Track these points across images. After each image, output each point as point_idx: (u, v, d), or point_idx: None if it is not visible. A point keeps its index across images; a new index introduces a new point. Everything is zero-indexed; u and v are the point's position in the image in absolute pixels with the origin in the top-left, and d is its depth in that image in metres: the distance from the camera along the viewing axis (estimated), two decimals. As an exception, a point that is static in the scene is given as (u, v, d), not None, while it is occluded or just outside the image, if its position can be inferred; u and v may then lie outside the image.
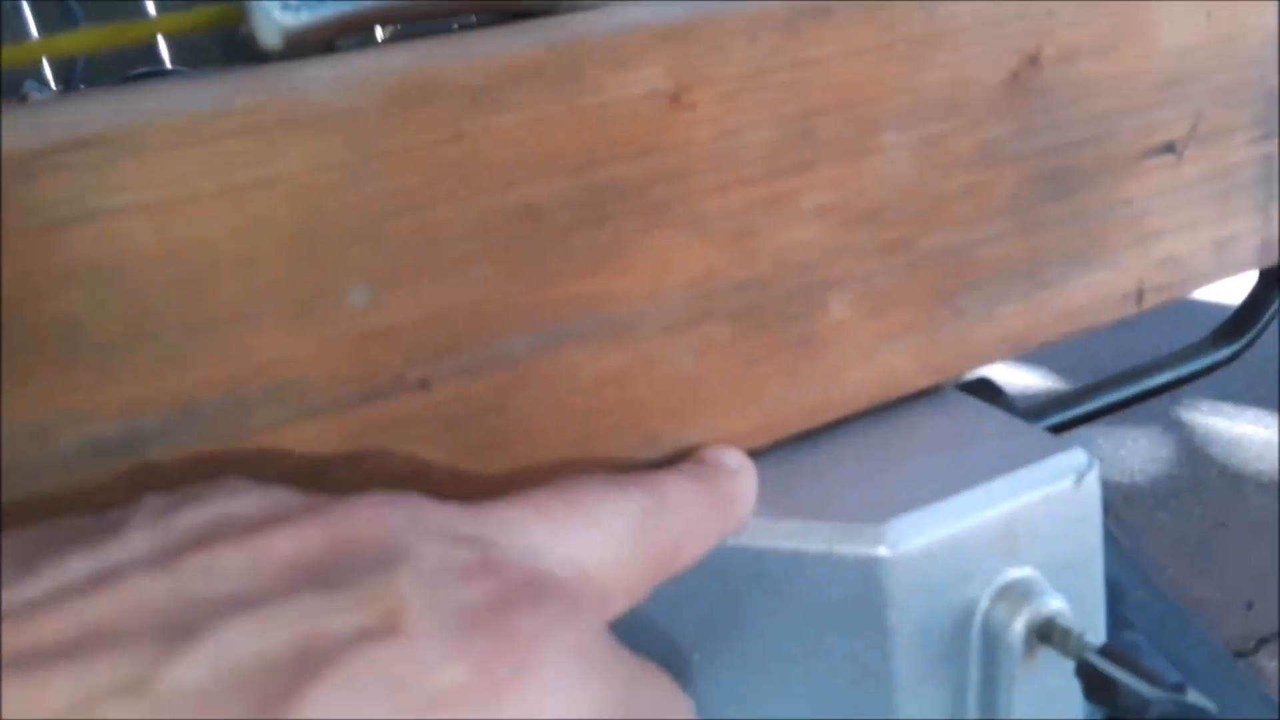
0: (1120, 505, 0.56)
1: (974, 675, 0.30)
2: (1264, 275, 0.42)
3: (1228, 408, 0.60)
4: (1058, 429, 0.42)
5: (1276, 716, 0.31)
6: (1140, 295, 0.37)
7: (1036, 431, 0.31)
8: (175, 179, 0.23)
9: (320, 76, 0.25)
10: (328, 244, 0.25)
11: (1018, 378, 0.54)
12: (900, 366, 0.34)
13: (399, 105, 0.25)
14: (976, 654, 0.30)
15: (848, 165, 0.31)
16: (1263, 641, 0.45)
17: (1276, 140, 0.38)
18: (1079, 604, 0.29)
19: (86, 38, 0.30)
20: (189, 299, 0.24)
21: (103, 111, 0.24)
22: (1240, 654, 0.44)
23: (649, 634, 0.32)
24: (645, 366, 0.30)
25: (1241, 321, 0.43)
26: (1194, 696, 0.24)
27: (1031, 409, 0.42)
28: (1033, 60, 0.32)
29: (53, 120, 0.24)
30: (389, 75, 0.25)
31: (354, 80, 0.25)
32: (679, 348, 0.30)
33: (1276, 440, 0.55)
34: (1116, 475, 0.57)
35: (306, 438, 0.26)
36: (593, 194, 0.28)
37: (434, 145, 0.25)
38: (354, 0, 0.31)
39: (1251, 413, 0.59)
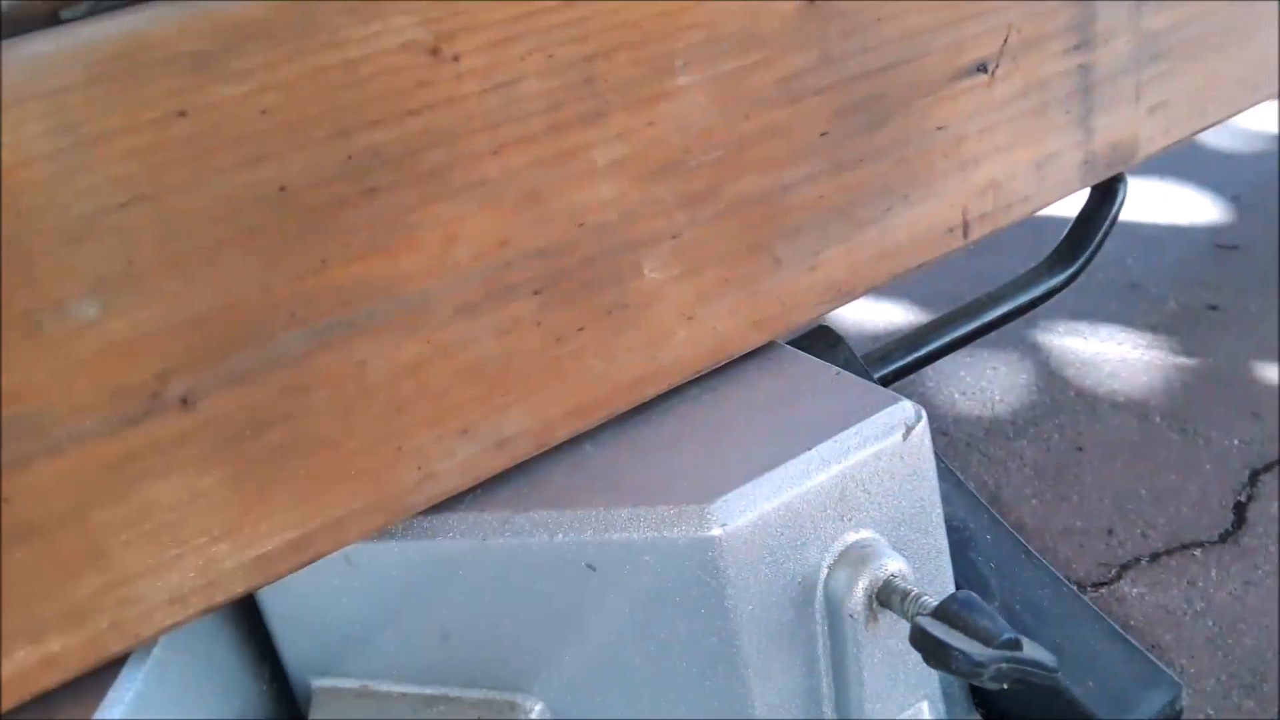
0: (982, 439, 0.57)
1: (822, 644, 0.30)
2: (1094, 192, 0.43)
3: (1082, 327, 0.62)
4: (904, 371, 0.42)
5: (1133, 656, 0.32)
6: (966, 227, 0.37)
7: (864, 385, 0.31)
8: None
9: (20, 55, 0.23)
10: (42, 249, 0.23)
11: (879, 313, 0.54)
12: (724, 327, 0.33)
13: (107, 81, 0.23)
14: (821, 624, 0.30)
15: (640, 113, 0.30)
16: (1124, 568, 0.47)
17: (1092, 46, 0.39)
18: (921, 560, 0.29)
19: None
20: None
21: None
22: (1102, 583, 0.45)
23: (485, 649, 0.31)
24: (445, 353, 0.29)
25: (1075, 244, 0.44)
26: (1031, 650, 0.24)
27: (875, 353, 0.42)
28: (829, -16, 0.32)
29: None
30: (91, 50, 0.23)
31: (54, 58, 0.22)
32: (479, 329, 0.29)
33: (1128, 358, 0.58)
34: (978, 408, 0.58)
35: (55, 476, 0.24)
36: (352, 166, 0.26)
37: (154, 124, 0.23)
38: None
39: (1104, 330, 0.61)
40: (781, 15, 0.31)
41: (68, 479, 0.25)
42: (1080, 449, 0.55)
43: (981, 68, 0.36)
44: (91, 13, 0.30)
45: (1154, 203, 0.75)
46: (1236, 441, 0.54)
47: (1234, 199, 0.76)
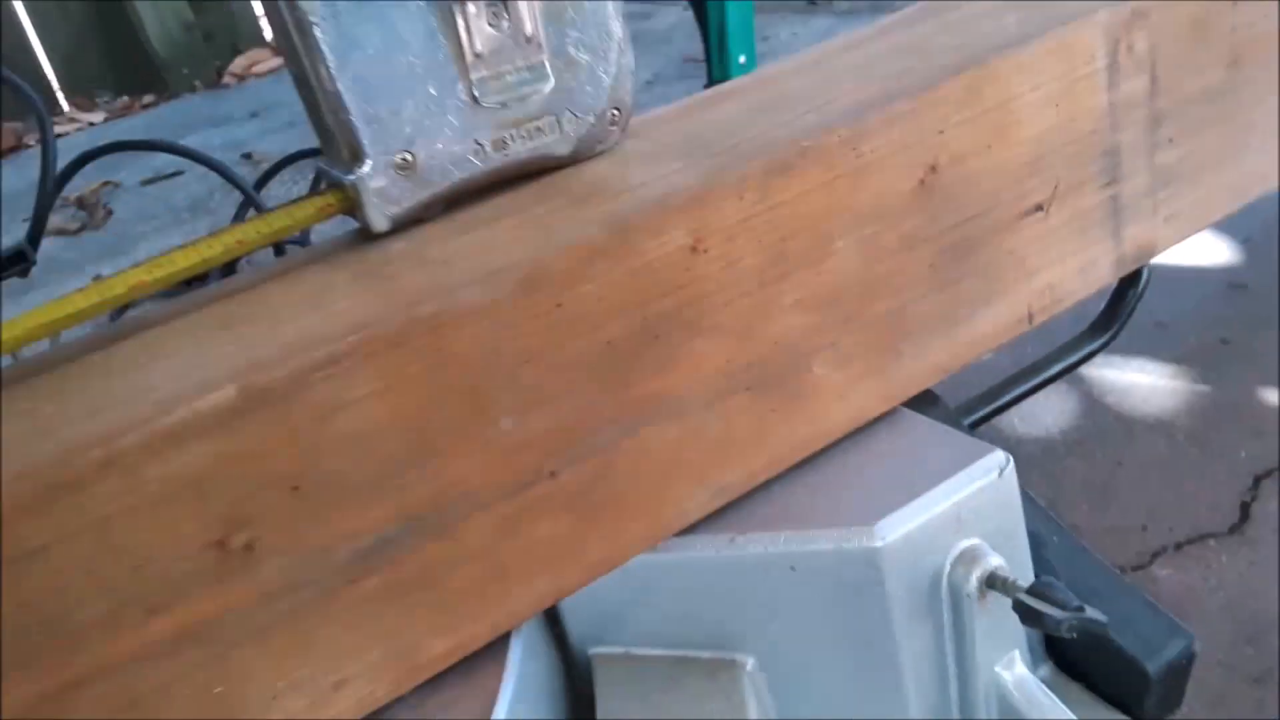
0: (1040, 456, 0.71)
1: (946, 618, 0.45)
2: (1121, 280, 0.58)
3: (1117, 360, 0.76)
4: (987, 418, 0.57)
5: (1159, 616, 0.45)
6: (1030, 317, 0.52)
7: (968, 438, 0.46)
8: (389, 373, 0.36)
9: (450, 278, 0.38)
10: (486, 394, 0.38)
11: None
12: (864, 402, 0.48)
13: (521, 292, 0.38)
14: (946, 603, 0.45)
15: (812, 269, 0.45)
16: (1155, 556, 0.60)
17: (1119, 182, 0.54)
18: (1011, 559, 0.44)
19: (180, 259, 0.42)
20: (409, 447, 0.37)
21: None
22: (1138, 567, 0.59)
23: (715, 624, 0.46)
24: (695, 435, 0.44)
25: (1110, 316, 0.59)
26: (1090, 613, 0.39)
27: (963, 406, 0.57)
28: (933, 169, 0.47)
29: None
30: (511, 272, 0.38)
31: (487, 278, 0.38)
32: (715, 417, 0.44)
33: (1157, 386, 0.71)
34: (1036, 431, 0.72)
35: (483, 525, 0.39)
36: (647, 324, 0.41)
37: (544, 314, 0.39)
38: (435, 184, 0.44)
39: (1136, 364, 0.75)
40: (902, 194, 0.46)
41: (488, 526, 0.40)
42: (1119, 464, 0.69)
43: (1039, 208, 0.51)
44: (442, 213, 0.46)
45: (1177, 249, 0.89)
46: (1244, 454, 0.68)
47: (1245, 241, 0.89)
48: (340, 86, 0.40)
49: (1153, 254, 0.57)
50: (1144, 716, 0.48)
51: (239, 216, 1.25)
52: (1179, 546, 0.62)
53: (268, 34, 3.54)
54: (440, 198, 0.44)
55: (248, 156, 1.87)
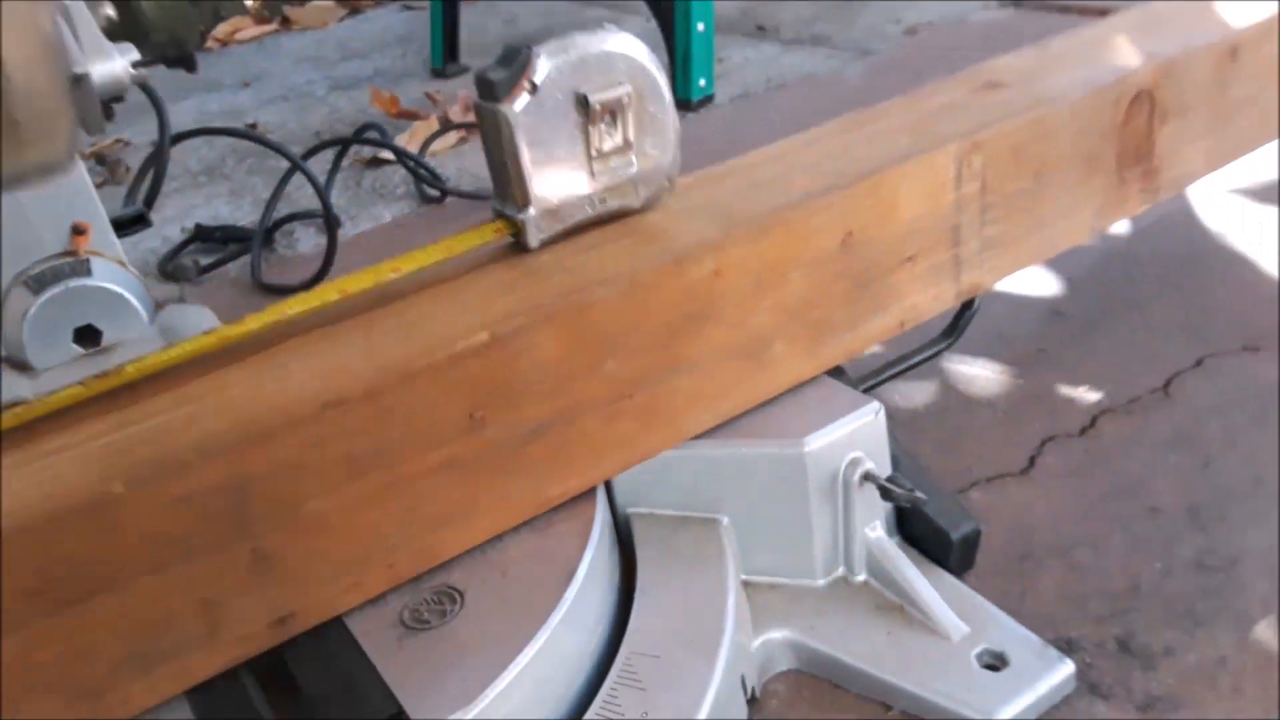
0: (907, 419, 1.03)
1: (839, 499, 0.77)
2: (961, 305, 0.91)
3: (968, 359, 1.09)
4: (872, 387, 0.89)
5: (961, 508, 0.76)
6: (902, 325, 0.85)
7: (860, 394, 0.78)
8: (551, 331, 0.67)
9: (583, 279, 0.68)
10: (603, 348, 0.69)
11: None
12: (802, 370, 0.80)
13: (628, 290, 0.69)
14: (840, 490, 0.77)
15: (777, 289, 0.76)
16: (971, 485, 0.92)
17: (959, 245, 0.86)
18: (879, 466, 0.77)
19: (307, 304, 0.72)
20: (558, 376, 0.68)
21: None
22: (960, 491, 0.91)
23: (699, 503, 0.78)
24: (705, 382, 0.75)
25: (952, 327, 0.92)
26: (917, 494, 0.71)
27: (858, 377, 0.89)
28: (850, 233, 0.78)
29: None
30: (622, 278, 0.69)
31: (605, 280, 0.68)
32: (718, 372, 0.75)
33: (992, 377, 1.04)
34: (907, 404, 1.04)
35: (592, 423, 0.70)
36: (687, 315, 0.72)
37: (639, 305, 0.69)
38: (566, 222, 0.74)
39: (980, 361, 1.08)
40: (830, 248, 0.78)
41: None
42: (959, 427, 1.03)
43: (910, 259, 0.83)
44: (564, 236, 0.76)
45: (1019, 283, 1.23)
46: (1039, 425, 1.02)
47: (1068, 279, 1.23)
48: (524, 163, 0.70)
49: (980, 291, 0.89)
50: (950, 569, 0.80)
51: (282, 185, 1.50)
52: (989, 480, 0.95)
53: (248, 1, 3.71)
54: (568, 230, 0.74)
55: (253, 126, 2.10)
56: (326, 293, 0.69)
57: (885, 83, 2.21)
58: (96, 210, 0.78)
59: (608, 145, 0.73)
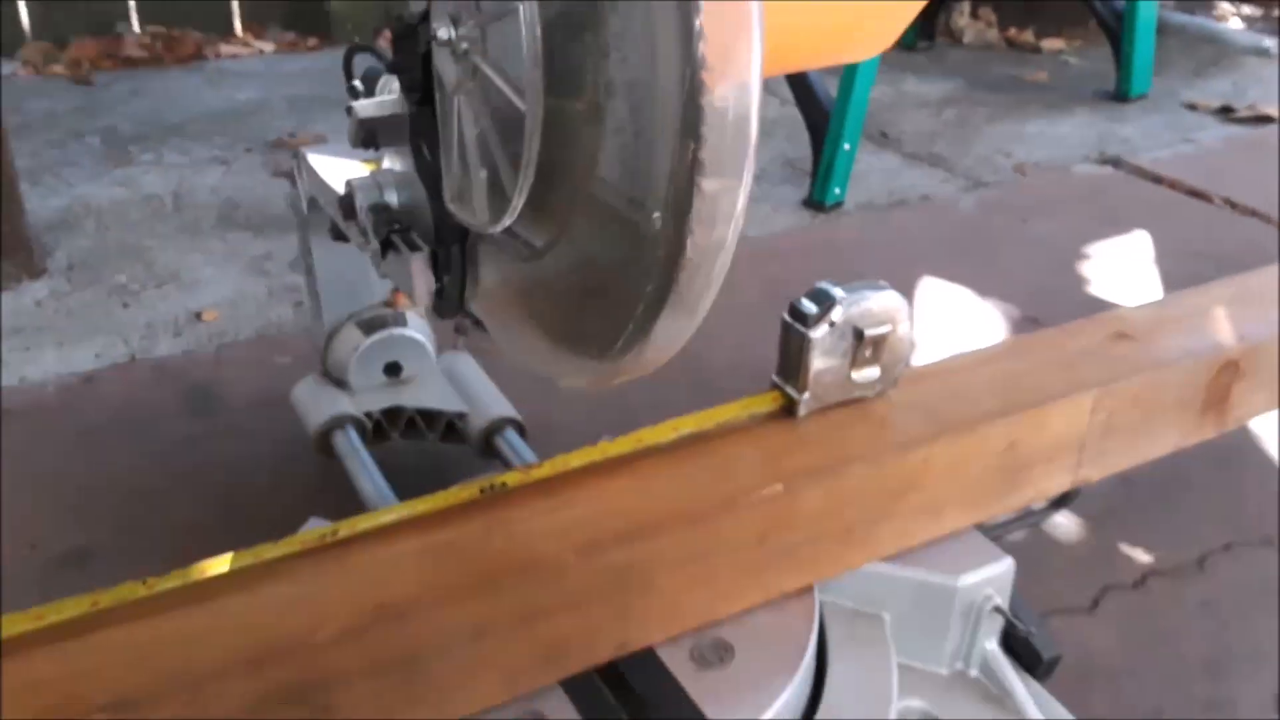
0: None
1: (972, 619, 1.10)
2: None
3: (1065, 516, 1.44)
4: (1000, 535, 1.22)
5: (1052, 644, 1.07)
6: (1031, 501, 1.17)
7: (999, 550, 1.11)
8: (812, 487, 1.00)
9: (845, 451, 1.02)
10: (845, 494, 1.02)
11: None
12: (961, 524, 1.13)
13: (895, 455, 1.02)
14: (974, 614, 1.09)
15: (964, 471, 1.09)
16: (1049, 613, 1.25)
17: (1080, 454, 1.18)
18: (1005, 602, 1.10)
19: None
20: (816, 512, 1.01)
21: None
22: (1042, 614, 1.23)
23: (867, 604, 1.11)
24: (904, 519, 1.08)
25: (1062, 501, 1.24)
26: (1032, 631, 1.04)
27: (990, 527, 1.21)
28: (1012, 444, 1.11)
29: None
30: (876, 453, 1.02)
31: (865, 455, 1.02)
32: (923, 520, 1.08)
33: (1072, 527, 1.37)
34: (1009, 540, 1.40)
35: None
36: (900, 487, 1.05)
37: (906, 474, 1.03)
38: (827, 401, 1.07)
39: (1064, 513, 1.41)
40: (997, 450, 1.11)
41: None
42: (1042, 565, 1.35)
43: (1049, 460, 1.16)
44: None
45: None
46: (1101, 572, 1.34)
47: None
48: (812, 367, 1.03)
49: (1087, 482, 1.21)
50: (1036, 677, 1.13)
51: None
52: (1061, 613, 1.28)
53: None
54: (823, 408, 1.07)
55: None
56: (643, 436, 1.02)
57: (994, 221, 2.55)
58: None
59: (864, 357, 1.06)
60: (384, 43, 3.95)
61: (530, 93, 0.71)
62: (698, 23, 0.63)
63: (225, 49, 3.69)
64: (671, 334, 0.76)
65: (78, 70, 3.41)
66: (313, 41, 3.81)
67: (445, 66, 0.81)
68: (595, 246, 0.78)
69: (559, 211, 0.79)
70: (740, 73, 0.64)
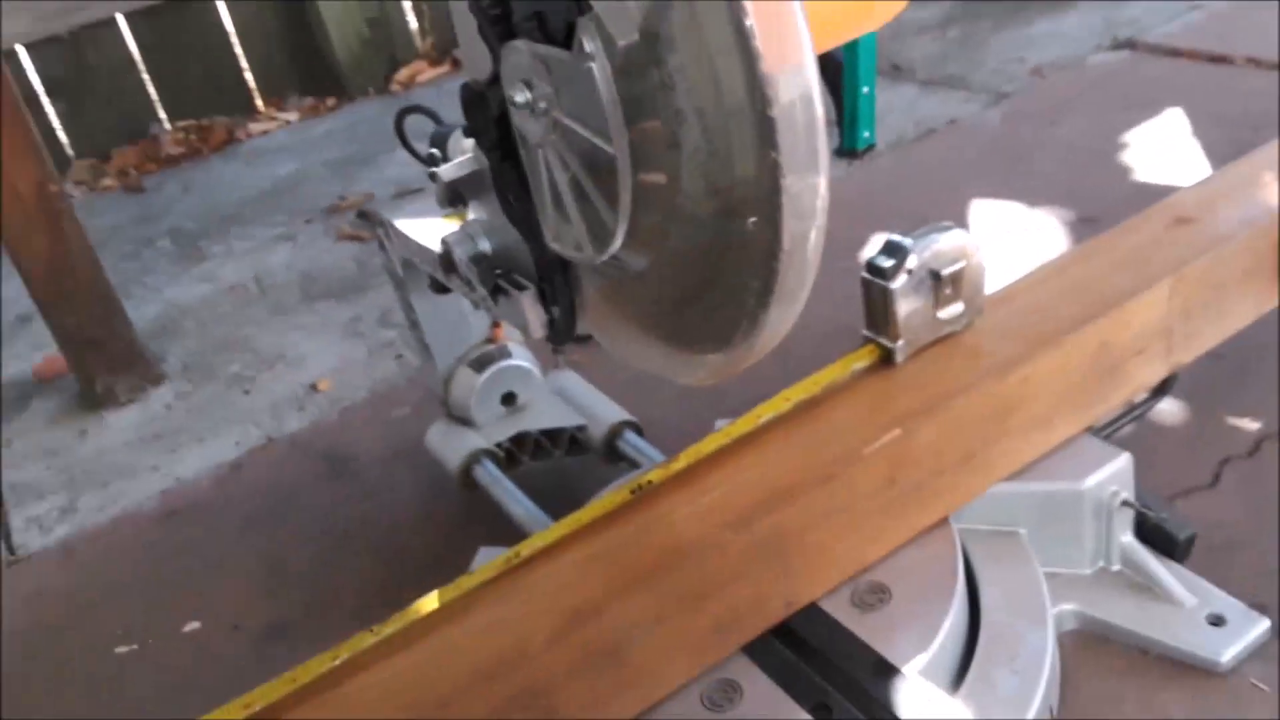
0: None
1: (1104, 517, 1.15)
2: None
3: (1167, 403, 1.48)
4: (1111, 432, 1.27)
5: (1186, 525, 1.13)
6: (1131, 397, 1.22)
7: (1116, 448, 1.16)
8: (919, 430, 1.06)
9: (946, 387, 1.08)
10: (948, 442, 1.08)
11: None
12: (1070, 431, 1.18)
13: (971, 402, 1.08)
14: (1105, 512, 1.15)
15: (1063, 380, 1.14)
16: (1174, 496, 1.30)
17: (1169, 340, 1.23)
18: (1130, 494, 1.15)
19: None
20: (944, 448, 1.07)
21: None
22: (1170, 498, 1.29)
23: (1000, 523, 1.17)
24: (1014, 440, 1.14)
25: (1162, 388, 1.29)
26: (1163, 516, 1.09)
27: (1099, 426, 1.26)
28: (1103, 344, 1.16)
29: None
30: (961, 394, 1.08)
31: (957, 393, 1.08)
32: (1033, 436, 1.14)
33: (1175, 410, 1.42)
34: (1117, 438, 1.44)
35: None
36: (1005, 408, 1.11)
37: (985, 412, 1.09)
38: (920, 344, 1.13)
39: (1165, 399, 1.46)
40: (1090, 354, 1.16)
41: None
42: (1156, 450, 1.40)
43: (1140, 352, 1.21)
44: None
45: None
46: (1216, 446, 1.38)
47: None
48: (899, 315, 1.09)
49: (1180, 366, 1.26)
50: (1176, 559, 1.18)
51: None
52: (1186, 493, 1.32)
53: (418, 45, 4.12)
54: (916, 351, 1.13)
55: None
56: (761, 411, 1.09)
57: (1023, 130, 2.56)
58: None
59: (945, 295, 1.12)
60: (397, 87, 4.05)
61: (616, 136, 0.79)
62: (755, 45, 0.70)
63: (254, 127, 3.83)
64: (779, 320, 0.83)
65: (126, 179, 3.57)
66: (331, 102, 3.92)
67: (526, 125, 0.89)
68: (694, 257, 0.85)
69: (653, 233, 0.87)
70: (802, 82, 0.70)
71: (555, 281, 1.03)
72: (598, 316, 1.05)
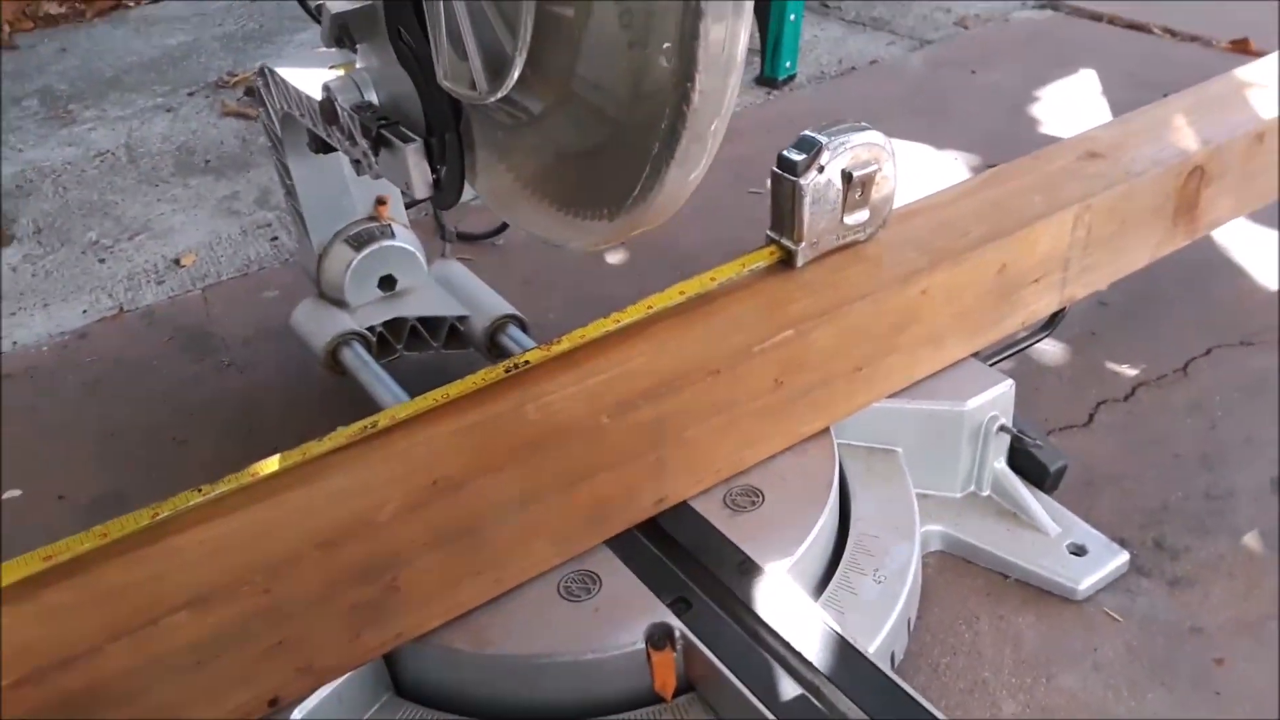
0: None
1: (979, 442, 1.14)
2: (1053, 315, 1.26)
3: (1051, 342, 1.46)
4: (996, 361, 1.25)
5: (1059, 455, 1.12)
6: (1024, 324, 1.21)
7: (999, 373, 1.14)
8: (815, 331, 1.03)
9: (840, 296, 1.04)
10: (846, 341, 1.05)
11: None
12: (961, 353, 1.16)
13: (870, 305, 1.04)
14: (981, 436, 1.13)
15: (960, 299, 1.12)
16: (1050, 431, 1.30)
17: (1066, 272, 1.22)
18: (1008, 422, 1.14)
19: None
20: (822, 353, 1.04)
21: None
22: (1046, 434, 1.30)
23: (879, 441, 1.15)
24: (891, 358, 1.11)
25: (1051, 321, 1.27)
26: (1038, 444, 1.08)
27: (985, 355, 1.24)
28: (1004, 266, 1.14)
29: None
30: (865, 298, 1.04)
31: (856, 299, 1.04)
32: (904, 352, 1.11)
33: (1059, 352, 1.42)
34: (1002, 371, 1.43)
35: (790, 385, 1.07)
36: (902, 321, 1.08)
37: (875, 312, 1.05)
38: (821, 249, 1.09)
39: (1049, 340, 1.44)
40: (990, 275, 1.14)
41: (807, 382, 1.07)
42: (1038, 390, 1.40)
43: (1037, 280, 1.19)
44: None
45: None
46: (1094, 390, 1.39)
47: (1111, 277, 1.61)
48: (804, 215, 1.05)
49: (1074, 300, 1.25)
50: (1044, 490, 1.17)
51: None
52: (1061, 429, 1.33)
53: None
54: (818, 255, 1.09)
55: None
56: (652, 302, 1.03)
57: (943, 76, 2.55)
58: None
59: (854, 199, 1.08)
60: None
61: (519, -48, 0.71)
62: None
63: (145, -6, 3.58)
64: (676, 183, 0.77)
65: (-3, 35, 3.30)
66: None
67: (423, -53, 0.81)
68: (599, 100, 0.78)
69: (558, 71, 0.79)
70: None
71: (444, 134, 0.95)
72: (487, 178, 0.98)
